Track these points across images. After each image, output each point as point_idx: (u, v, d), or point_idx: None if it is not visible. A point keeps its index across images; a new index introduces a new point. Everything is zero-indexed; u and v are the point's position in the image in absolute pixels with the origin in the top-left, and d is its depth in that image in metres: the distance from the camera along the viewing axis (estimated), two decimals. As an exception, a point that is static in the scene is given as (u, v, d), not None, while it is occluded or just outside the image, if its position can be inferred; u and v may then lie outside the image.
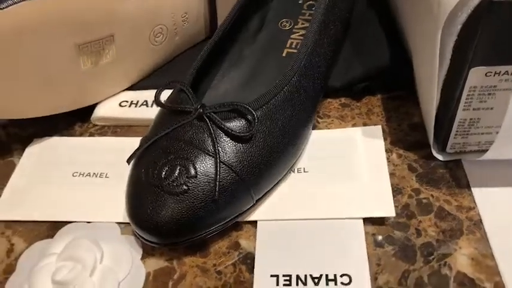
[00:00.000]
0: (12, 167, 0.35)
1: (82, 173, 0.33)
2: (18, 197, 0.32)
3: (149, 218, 0.26)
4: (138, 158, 0.28)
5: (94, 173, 0.33)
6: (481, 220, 0.28)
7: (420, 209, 0.29)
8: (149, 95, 0.37)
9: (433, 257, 0.27)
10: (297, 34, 0.37)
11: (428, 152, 0.32)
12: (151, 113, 0.35)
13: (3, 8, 0.28)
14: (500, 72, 0.25)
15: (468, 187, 0.30)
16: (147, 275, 0.28)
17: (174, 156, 0.27)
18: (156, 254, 0.29)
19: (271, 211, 0.29)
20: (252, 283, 0.27)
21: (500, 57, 0.25)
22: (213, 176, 0.27)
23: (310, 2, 0.39)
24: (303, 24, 0.37)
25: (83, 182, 0.33)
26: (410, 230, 0.28)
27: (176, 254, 0.29)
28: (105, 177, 0.33)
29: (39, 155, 0.35)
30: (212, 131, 0.27)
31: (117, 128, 0.36)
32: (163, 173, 0.27)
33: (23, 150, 0.35)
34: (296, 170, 0.31)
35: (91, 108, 0.37)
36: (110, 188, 0.32)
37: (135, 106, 0.36)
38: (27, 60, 0.31)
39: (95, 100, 0.36)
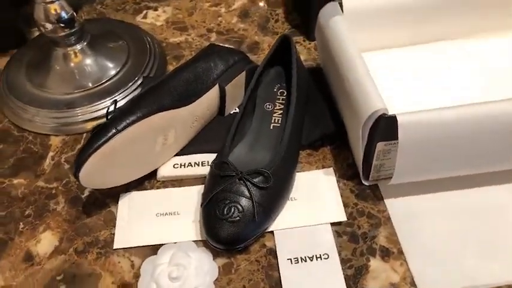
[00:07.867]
0: (111, 214, 0.55)
1: (162, 213, 0.55)
2: (126, 232, 0.53)
3: (220, 236, 0.49)
4: (207, 203, 0.51)
5: (170, 212, 0.55)
6: (389, 216, 0.54)
7: (358, 214, 0.54)
8: (191, 158, 0.58)
9: (367, 239, 0.52)
10: (277, 113, 0.60)
11: (359, 180, 0.57)
12: (196, 171, 0.58)
13: (121, 130, 0.49)
14: (391, 143, 0.51)
15: (382, 198, 0.55)
16: (219, 267, 0.50)
17: (229, 201, 0.50)
18: (220, 256, 0.51)
19: (280, 224, 0.53)
20: (277, 264, 0.50)
21: (389, 137, 0.50)
22: (251, 209, 0.50)
23: (281, 90, 0.63)
24: (279, 106, 0.61)
25: (165, 219, 0.54)
26: (354, 226, 0.53)
27: (232, 254, 0.51)
28: (177, 214, 0.54)
29: (129, 205, 0.55)
30: (248, 186, 0.50)
31: (174, 182, 0.58)
32: (225, 211, 0.49)
33: (115, 202, 0.56)
34: (290, 199, 0.55)
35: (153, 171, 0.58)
36: (183, 220, 0.54)
37: (184, 167, 0.58)
38: (131, 155, 0.52)
39: (158, 166, 0.57)
